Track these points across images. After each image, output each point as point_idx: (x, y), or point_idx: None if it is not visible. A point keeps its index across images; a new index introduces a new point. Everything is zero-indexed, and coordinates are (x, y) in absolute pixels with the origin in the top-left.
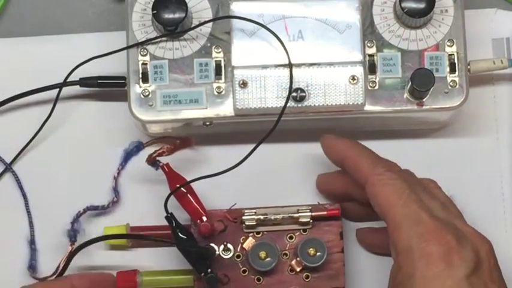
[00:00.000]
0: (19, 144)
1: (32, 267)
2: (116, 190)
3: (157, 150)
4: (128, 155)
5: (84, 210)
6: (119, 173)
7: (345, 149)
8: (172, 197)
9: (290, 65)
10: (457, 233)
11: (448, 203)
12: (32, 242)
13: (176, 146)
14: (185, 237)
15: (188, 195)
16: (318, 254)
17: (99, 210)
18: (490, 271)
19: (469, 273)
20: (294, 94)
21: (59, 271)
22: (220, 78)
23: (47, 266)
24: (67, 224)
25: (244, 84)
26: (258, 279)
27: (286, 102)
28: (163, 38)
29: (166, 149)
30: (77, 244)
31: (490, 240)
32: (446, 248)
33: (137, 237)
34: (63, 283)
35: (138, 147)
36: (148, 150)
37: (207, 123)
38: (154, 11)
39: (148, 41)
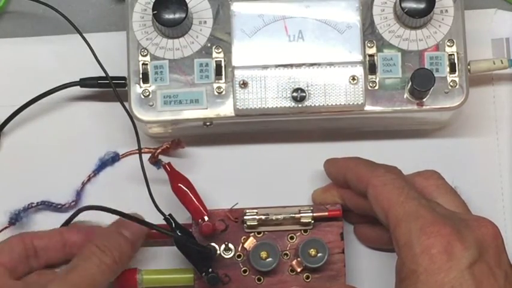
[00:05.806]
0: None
1: None
2: (78, 193)
3: (160, 147)
4: (103, 165)
5: (37, 204)
6: (89, 180)
7: (346, 162)
8: (174, 196)
9: (287, 65)
10: (458, 224)
11: (452, 194)
12: None
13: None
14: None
15: (190, 194)
16: (319, 254)
17: (52, 208)
18: (497, 255)
19: (473, 262)
20: (295, 94)
21: None
22: (221, 79)
23: None
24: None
25: (244, 85)
26: (259, 279)
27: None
28: (163, 38)
29: (169, 145)
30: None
31: None
32: (447, 240)
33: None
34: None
35: (114, 158)
36: (125, 162)
37: (208, 123)
38: (155, 11)
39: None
